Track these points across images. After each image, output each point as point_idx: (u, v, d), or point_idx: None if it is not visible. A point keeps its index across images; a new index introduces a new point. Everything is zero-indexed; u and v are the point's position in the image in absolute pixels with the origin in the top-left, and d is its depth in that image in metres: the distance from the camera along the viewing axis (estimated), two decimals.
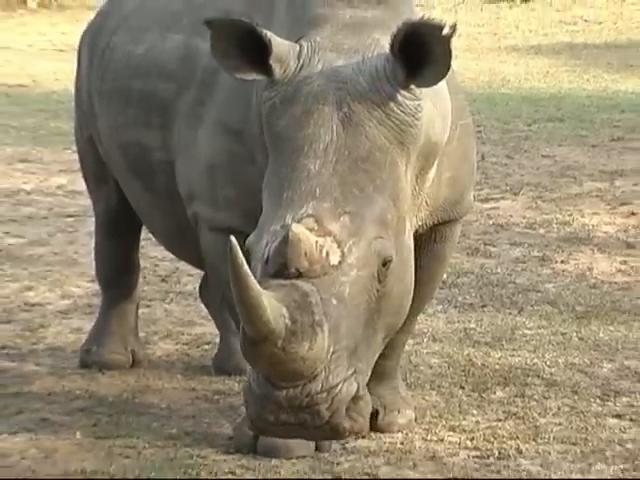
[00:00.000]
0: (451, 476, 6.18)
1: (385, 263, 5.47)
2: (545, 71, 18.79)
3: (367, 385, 6.67)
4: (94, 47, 7.52)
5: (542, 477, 6.17)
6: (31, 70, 19.23)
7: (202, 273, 7.78)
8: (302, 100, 5.67)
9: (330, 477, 6.15)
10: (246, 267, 5.05)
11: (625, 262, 9.58)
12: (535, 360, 7.69)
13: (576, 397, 7.15)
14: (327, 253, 5.31)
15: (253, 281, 5.07)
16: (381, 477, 6.17)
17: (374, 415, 6.65)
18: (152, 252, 8.22)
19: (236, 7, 6.36)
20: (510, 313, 8.50)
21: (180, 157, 6.62)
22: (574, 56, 20.36)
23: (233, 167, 6.19)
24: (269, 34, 5.60)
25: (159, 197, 6.91)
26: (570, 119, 14.82)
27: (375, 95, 5.63)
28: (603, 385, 7.30)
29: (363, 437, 6.59)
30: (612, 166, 12.49)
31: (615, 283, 9.10)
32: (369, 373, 5.66)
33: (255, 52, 5.63)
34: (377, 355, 5.75)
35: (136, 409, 7.06)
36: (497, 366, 7.58)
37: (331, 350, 5.28)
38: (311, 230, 5.32)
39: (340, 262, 5.34)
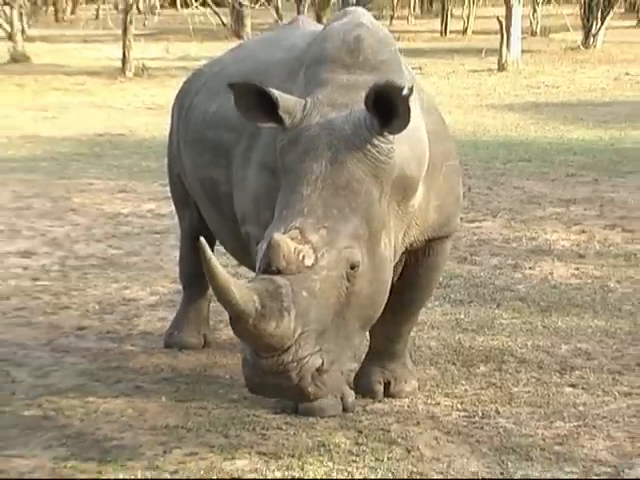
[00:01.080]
0: (445, 430, 6.17)
1: (353, 267, 5.49)
2: (516, 123, 18.75)
3: (383, 363, 6.70)
4: (181, 106, 7.57)
5: (515, 432, 6.15)
6: (128, 123, 19.30)
7: None
8: (302, 142, 5.72)
9: (353, 433, 6.13)
10: (214, 260, 5.23)
11: (578, 268, 9.55)
12: (509, 343, 7.66)
13: (540, 371, 7.11)
14: (303, 257, 5.36)
15: (221, 271, 5.24)
16: (392, 432, 6.15)
17: (387, 384, 6.68)
18: (220, 259, 8.18)
19: (277, 78, 6.39)
20: (490, 307, 8.47)
21: (236, 190, 6.62)
22: (538, 112, 20.32)
23: (272, 196, 6.17)
24: (277, 93, 5.72)
25: (226, 219, 6.90)
26: (535, 160, 14.80)
27: (356, 139, 5.67)
28: (561, 362, 7.26)
29: (379, 401, 6.61)
30: (567, 195, 12.47)
31: (570, 284, 9.06)
32: (348, 354, 5.69)
33: (270, 106, 5.72)
34: (356, 339, 5.78)
35: (207, 379, 7.05)
36: (480, 347, 7.54)
37: (299, 330, 5.31)
38: (294, 239, 5.39)
39: (313, 264, 5.38)
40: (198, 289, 7.80)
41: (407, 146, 5.81)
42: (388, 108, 5.55)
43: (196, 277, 7.76)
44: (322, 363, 5.41)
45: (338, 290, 5.47)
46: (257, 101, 5.74)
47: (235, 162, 6.65)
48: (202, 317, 7.79)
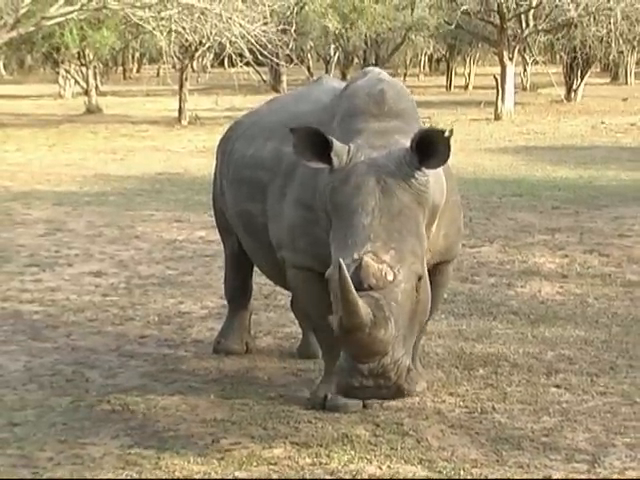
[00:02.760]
0: (449, 424, 6.13)
1: (419, 279, 5.56)
2: (510, 164, 18.68)
3: None
4: (224, 151, 7.56)
5: (508, 425, 6.11)
6: (183, 164, 19.34)
7: (291, 293, 7.78)
8: (353, 180, 5.70)
9: (371, 426, 6.11)
10: (349, 279, 5.18)
11: (561, 287, 9.49)
12: (504, 350, 7.61)
13: (530, 374, 7.06)
14: (385, 274, 5.39)
15: (353, 289, 5.19)
16: (405, 426, 6.12)
17: None
18: (258, 279, 8.19)
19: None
20: (488, 319, 8.42)
21: (271, 221, 6.60)
22: (528, 154, 20.24)
23: (306, 227, 6.19)
24: (331, 138, 5.72)
25: (262, 246, 6.87)
26: (526, 194, 14.72)
27: (400, 173, 5.69)
28: (547, 366, 7.20)
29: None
30: (553, 225, 12.40)
31: (555, 300, 9.01)
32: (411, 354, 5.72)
33: (321, 150, 5.71)
34: (414, 341, 5.84)
35: (248, 380, 7.04)
36: (479, 354, 7.50)
37: (395, 335, 5.33)
38: (372, 260, 5.39)
39: (393, 279, 5.40)
40: (240, 303, 7.77)
41: (432, 179, 5.85)
42: (428, 148, 5.61)
43: (238, 293, 7.80)
44: (408, 363, 5.47)
45: (411, 299, 5.51)
46: (312, 144, 5.74)
47: (270, 197, 6.63)
48: (244, 327, 7.75)
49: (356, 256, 5.46)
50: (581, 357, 7.43)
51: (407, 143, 5.74)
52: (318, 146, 5.73)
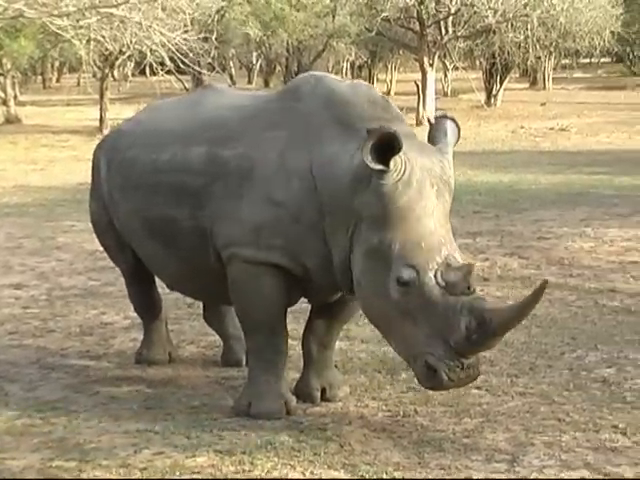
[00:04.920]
0: (372, 428, 6.18)
1: None
2: None
3: (319, 371, 6.71)
4: (110, 160, 7.26)
5: (430, 428, 6.18)
6: None
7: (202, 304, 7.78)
8: (414, 183, 5.82)
9: (295, 432, 6.13)
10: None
11: (482, 289, 9.52)
12: None
13: None
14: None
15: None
16: (328, 431, 6.16)
17: (323, 390, 6.66)
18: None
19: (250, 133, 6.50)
20: None
21: (219, 221, 6.40)
22: None
23: (278, 225, 6.18)
24: (402, 141, 5.77)
25: (177, 251, 6.72)
26: None
27: (444, 176, 6.02)
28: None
29: (317, 405, 6.59)
30: (474, 229, 12.56)
31: None
32: None
33: (383, 152, 5.72)
34: None
35: (172, 389, 7.02)
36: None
37: None
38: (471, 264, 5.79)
39: None
40: (152, 315, 7.68)
41: None
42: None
43: (146, 307, 7.68)
44: None
45: None
46: (379, 146, 5.71)
47: (215, 199, 6.43)
48: (163, 337, 7.68)
49: (439, 260, 5.68)
50: (501, 358, 7.54)
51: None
52: (381, 149, 5.73)
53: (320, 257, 6.15)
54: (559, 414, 6.37)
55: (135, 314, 7.90)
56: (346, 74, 53.83)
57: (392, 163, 5.74)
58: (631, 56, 51.69)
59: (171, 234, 6.73)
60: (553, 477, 5.45)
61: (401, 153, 5.73)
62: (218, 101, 6.93)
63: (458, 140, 6.38)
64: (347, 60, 48.89)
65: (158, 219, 6.78)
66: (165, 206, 6.72)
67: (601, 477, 5.45)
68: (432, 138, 6.31)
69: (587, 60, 54.26)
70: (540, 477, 5.46)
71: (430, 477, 5.49)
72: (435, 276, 5.66)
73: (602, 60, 56.71)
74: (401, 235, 5.73)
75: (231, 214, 6.35)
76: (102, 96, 28.19)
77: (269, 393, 6.39)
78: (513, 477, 5.47)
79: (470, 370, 5.70)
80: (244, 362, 7.25)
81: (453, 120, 6.41)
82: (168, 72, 25.09)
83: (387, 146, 5.67)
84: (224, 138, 6.50)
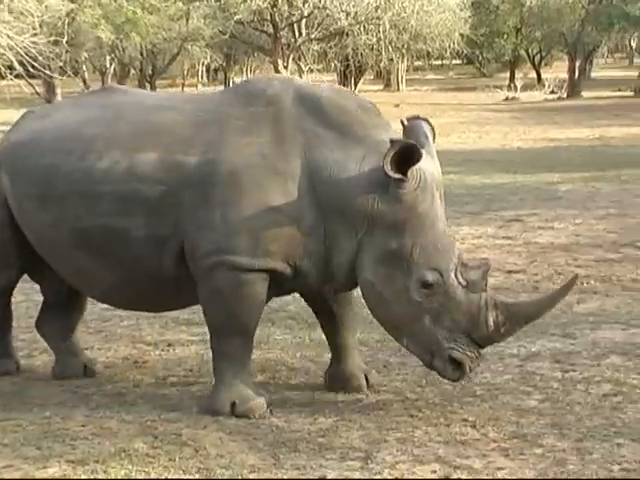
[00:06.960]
0: (227, 431, 6.15)
1: None
2: None
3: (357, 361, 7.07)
4: (16, 170, 6.82)
5: (286, 429, 6.19)
6: None
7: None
8: (429, 188, 6.13)
9: (150, 438, 6.07)
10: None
11: None
12: (283, 355, 7.73)
13: (307, 377, 7.23)
14: None
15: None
16: (183, 436, 6.11)
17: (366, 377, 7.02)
18: (25, 297, 7.97)
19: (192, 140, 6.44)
20: (266, 326, 8.38)
21: (200, 230, 6.24)
22: None
23: (277, 230, 6.19)
24: (423, 151, 6.13)
25: (118, 261, 6.52)
26: None
27: (440, 179, 6.33)
28: (324, 369, 7.25)
29: (172, 410, 6.52)
30: None
31: None
32: None
33: (401, 162, 5.98)
34: None
35: (22, 400, 6.85)
36: (258, 360, 7.50)
37: None
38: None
39: None
40: (4, 326, 7.45)
41: None
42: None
43: (1, 319, 7.45)
44: None
45: None
46: (400, 156, 5.98)
47: (181, 208, 6.27)
48: (10, 347, 7.50)
49: (455, 260, 6.09)
50: None
51: None
52: (400, 159, 5.95)
53: (316, 259, 6.28)
54: (412, 410, 6.48)
55: None
56: (202, 77, 53.73)
57: (409, 172, 6.00)
58: (480, 58, 53.11)
59: (112, 244, 6.48)
60: (405, 472, 5.54)
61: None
62: (139, 102, 6.77)
63: (434, 140, 6.54)
64: (202, 63, 48.82)
65: (95, 229, 6.50)
66: (107, 216, 6.45)
67: (451, 469, 5.57)
68: (413, 140, 6.29)
69: (439, 62, 55.52)
70: (393, 472, 5.54)
71: (285, 478, 5.51)
72: (456, 276, 6.09)
73: (453, 62, 58.13)
74: (421, 240, 6.07)
75: (213, 222, 6.22)
76: None
77: (249, 391, 6.45)
78: (367, 474, 5.53)
79: (481, 357, 6.28)
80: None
81: (426, 121, 6.61)
82: (17, 76, 24.55)
83: (406, 157, 5.95)
84: (179, 144, 6.35)
